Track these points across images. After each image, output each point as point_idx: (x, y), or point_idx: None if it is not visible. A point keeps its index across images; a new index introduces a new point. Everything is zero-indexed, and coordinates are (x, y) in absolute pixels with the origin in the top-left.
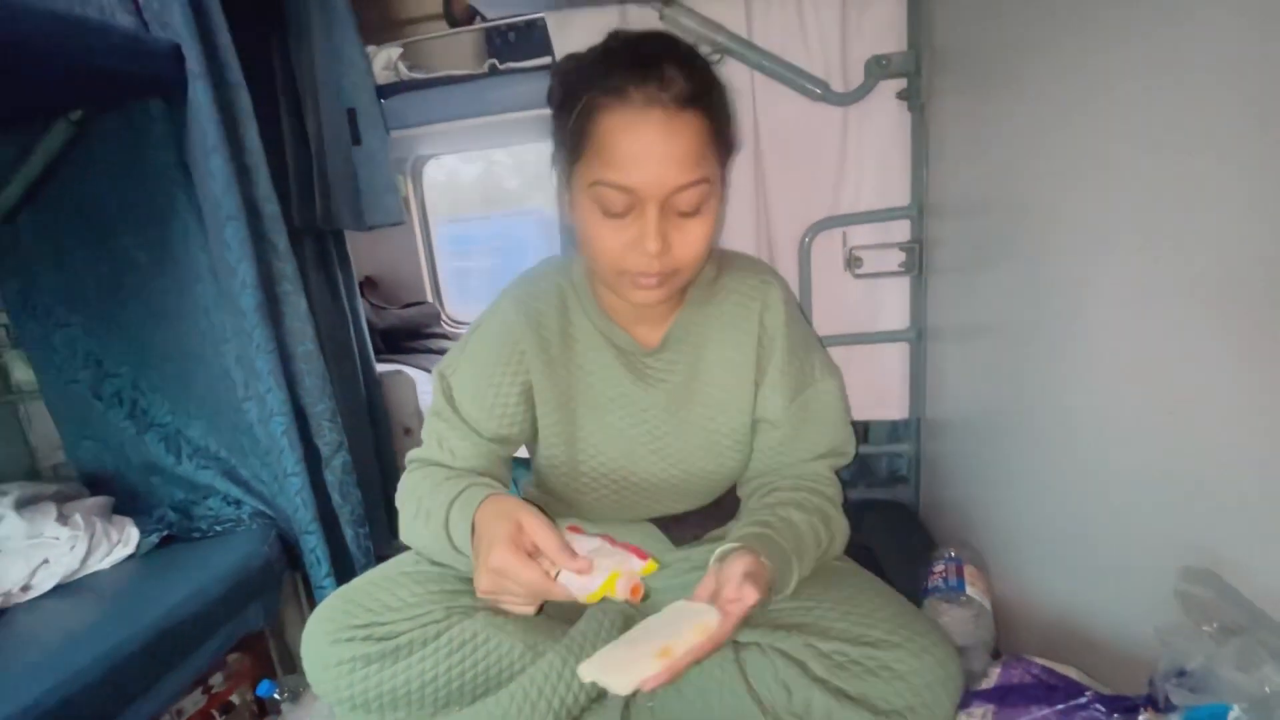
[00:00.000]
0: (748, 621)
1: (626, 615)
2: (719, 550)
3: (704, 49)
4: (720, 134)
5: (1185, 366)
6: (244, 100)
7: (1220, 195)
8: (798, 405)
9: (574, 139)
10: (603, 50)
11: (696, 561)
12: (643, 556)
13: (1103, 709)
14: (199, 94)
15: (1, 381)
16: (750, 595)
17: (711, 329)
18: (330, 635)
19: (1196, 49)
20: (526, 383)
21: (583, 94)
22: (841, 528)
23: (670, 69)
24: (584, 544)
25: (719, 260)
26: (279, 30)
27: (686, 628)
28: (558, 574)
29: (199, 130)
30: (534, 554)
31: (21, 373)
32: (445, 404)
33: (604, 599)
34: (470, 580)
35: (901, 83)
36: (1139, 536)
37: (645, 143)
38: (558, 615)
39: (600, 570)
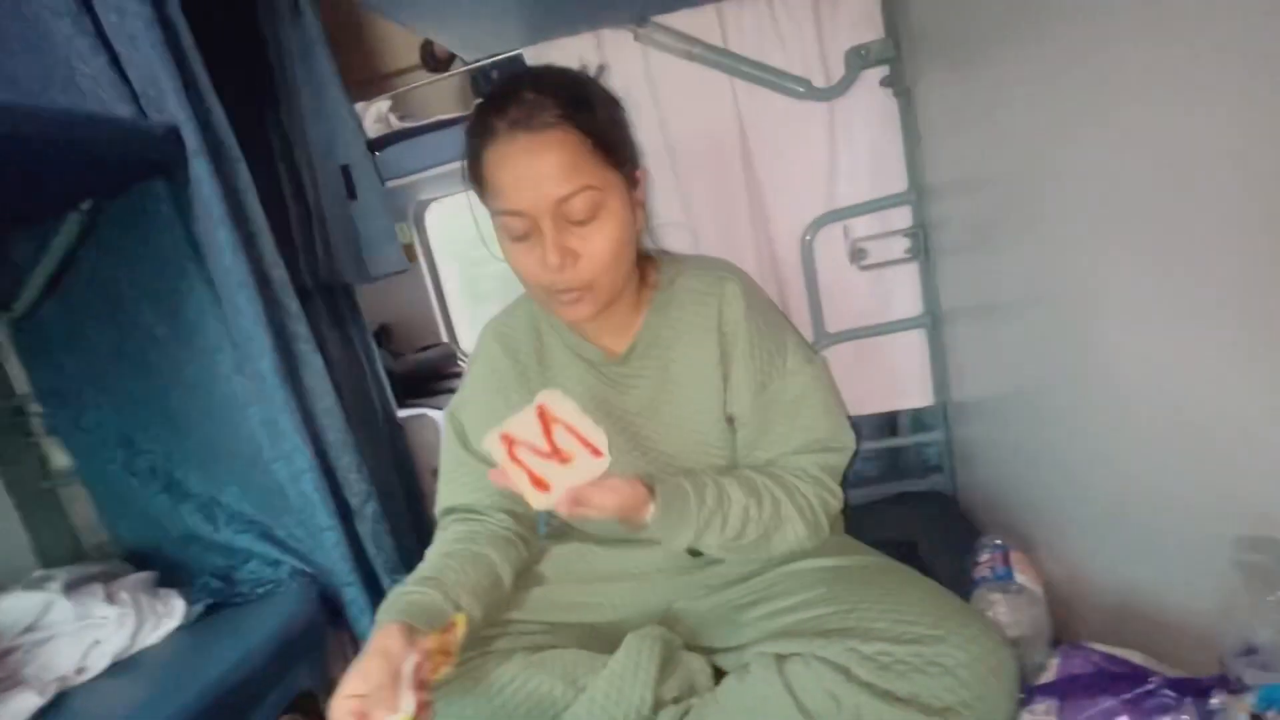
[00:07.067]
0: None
1: (666, 641)
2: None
3: (593, 68)
4: (601, 142)
5: (1219, 322)
6: (243, 172)
7: (1225, 149)
8: (765, 399)
9: (475, 181)
10: (479, 101)
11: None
12: None
13: (1173, 694)
14: (200, 170)
15: (41, 469)
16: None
17: (675, 331)
18: None
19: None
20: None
21: (469, 141)
22: (801, 519)
23: (528, 94)
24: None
25: (679, 264)
26: (270, 98)
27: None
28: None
29: (203, 205)
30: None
31: (59, 459)
32: (458, 444)
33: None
34: (505, 624)
35: (884, 70)
36: (1192, 505)
37: (518, 165)
38: (596, 647)
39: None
